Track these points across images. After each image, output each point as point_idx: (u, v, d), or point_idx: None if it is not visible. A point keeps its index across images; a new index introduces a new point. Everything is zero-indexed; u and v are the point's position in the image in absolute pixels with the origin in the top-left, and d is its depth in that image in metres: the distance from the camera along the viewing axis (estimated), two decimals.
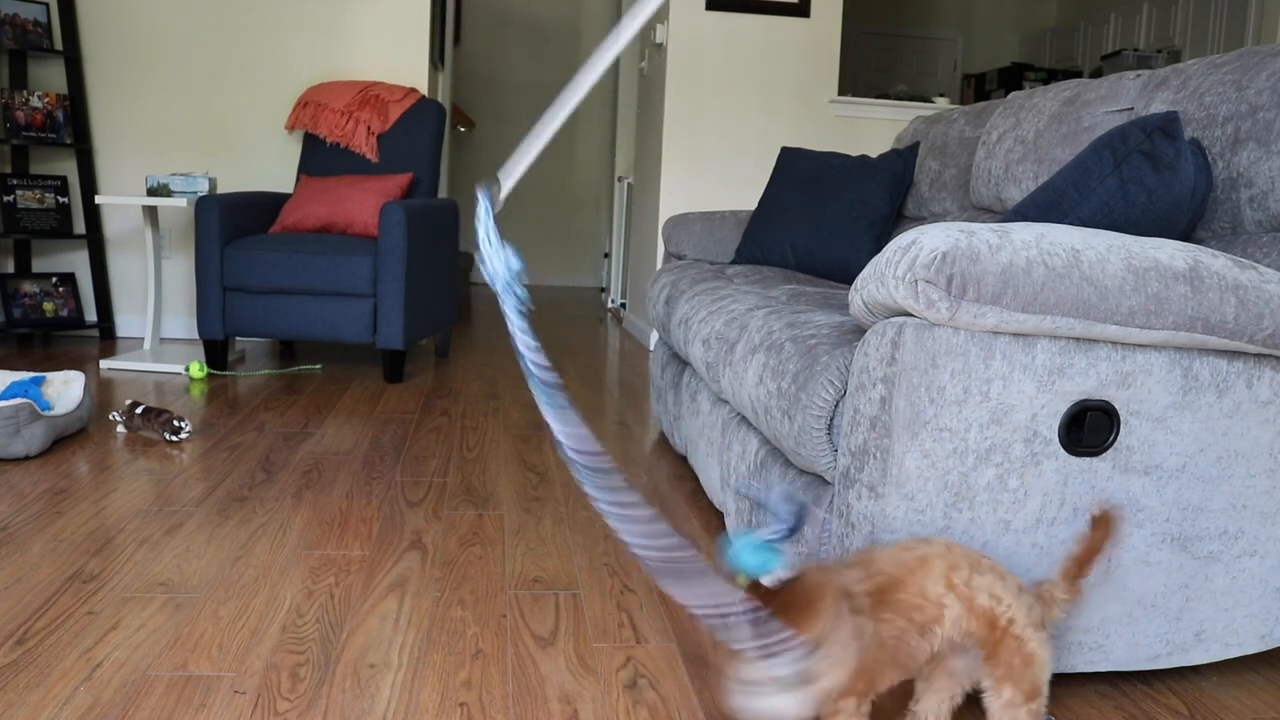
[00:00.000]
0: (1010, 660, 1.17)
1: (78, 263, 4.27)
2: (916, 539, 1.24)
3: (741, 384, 1.78)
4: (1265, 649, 1.52)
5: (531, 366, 0.99)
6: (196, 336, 4.34)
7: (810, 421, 1.47)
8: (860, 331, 1.57)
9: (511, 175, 1.06)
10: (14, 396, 2.51)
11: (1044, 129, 2.17)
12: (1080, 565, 1.24)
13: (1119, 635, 1.44)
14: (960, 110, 2.74)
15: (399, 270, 3.43)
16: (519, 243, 7.82)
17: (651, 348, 4.15)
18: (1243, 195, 1.62)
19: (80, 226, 4.24)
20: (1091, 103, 2.06)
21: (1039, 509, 1.35)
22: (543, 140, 1.05)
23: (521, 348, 1.00)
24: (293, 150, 4.32)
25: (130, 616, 1.58)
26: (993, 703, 1.19)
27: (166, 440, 2.64)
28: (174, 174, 3.85)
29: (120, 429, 2.71)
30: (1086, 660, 1.44)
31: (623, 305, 5.96)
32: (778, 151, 4.60)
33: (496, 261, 1.00)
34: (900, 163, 2.81)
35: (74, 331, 4.31)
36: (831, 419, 1.46)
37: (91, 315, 4.30)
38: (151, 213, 3.73)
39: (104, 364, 3.57)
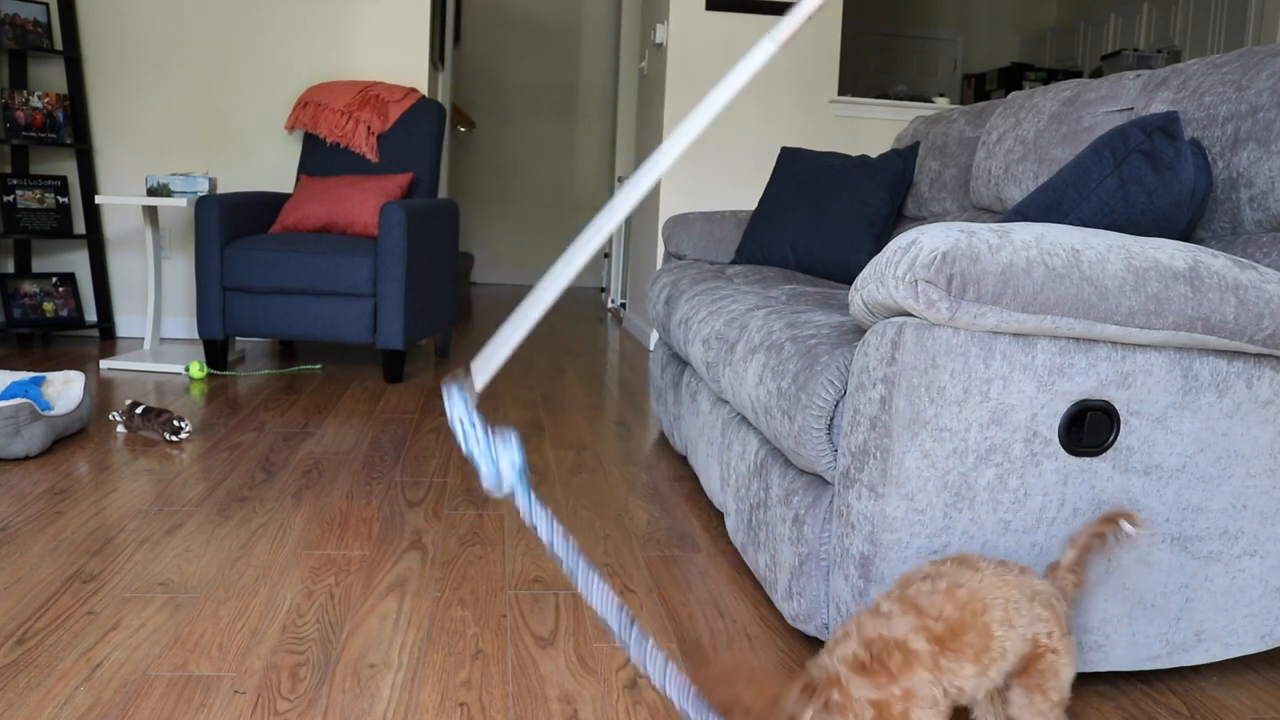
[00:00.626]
0: (1045, 671, 1.17)
1: (78, 263, 4.27)
2: (955, 564, 1.18)
3: (741, 384, 1.78)
4: (1265, 649, 1.52)
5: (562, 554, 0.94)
6: (196, 336, 4.34)
7: (810, 421, 1.47)
8: (860, 331, 1.57)
9: (487, 368, 0.97)
10: (14, 396, 2.51)
11: (1044, 129, 2.17)
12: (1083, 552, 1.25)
13: (1119, 635, 1.44)
14: (960, 110, 2.74)
15: (399, 270, 3.43)
16: (519, 242, 7.82)
17: (651, 348, 4.15)
18: (1243, 195, 1.62)
19: (80, 226, 4.24)
20: (1091, 103, 2.06)
21: (1039, 509, 1.35)
22: (522, 330, 0.96)
23: (550, 541, 0.92)
24: (293, 150, 4.32)
25: (130, 616, 1.58)
26: (1021, 708, 1.18)
27: (166, 440, 2.64)
28: (174, 174, 3.85)
29: (120, 429, 2.71)
30: (1086, 660, 1.44)
31: (623, 305, 5.96)
32: (778, 151, 4.60)
33: (502, 462, 0.89)
34: (900, 163, 2.81)
35: (74, 331, 4.31)
36: (831, 419, 1.46)
37: (91, 315, 4.30)
38: (151, 213, 3.73)
39: (104, 364, 3.57)
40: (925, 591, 1.14)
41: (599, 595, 0.95)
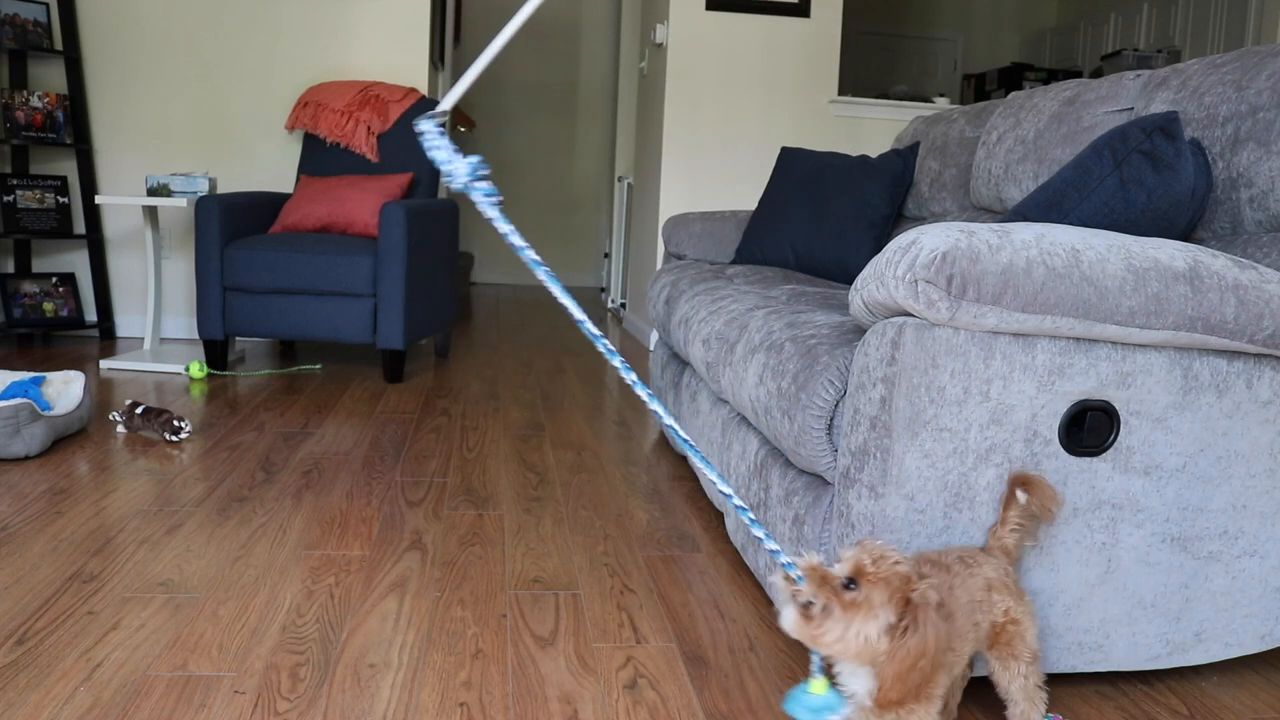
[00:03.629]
0: (1011, 641, 1.26)
1: (78, 263, 4.27)
2: (932, 565, 1.23)
3: (741, 384, 1.78)
4: (1265, 649, 1.52)
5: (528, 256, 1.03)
6: (196, 336, 4.34)
7: (810, 421, 1.47)
8: (860, 331, 1.57)
9: (455, 93, 1.06)
10: (14, 396, 2.51)
11: (1044, 129, 2.17)
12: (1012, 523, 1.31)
13: (1119, 635, 1.44)
14: (960, 110, 2.74)
15: (399, 270, 3.43)
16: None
17: (651, 348, 4.15)
18: (1243, 195, 1.62)
19: (80, 226, 4.24)
20: (1091, 103, 2.06)
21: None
22: (482, 63, 1.04)
23: (513, 241, 1.02)
24: (293, 150, 4.32)
25: (130, 616, 1.58)
26: (1005, 678, 1.28)
27: (166, 440, 2.64)
28: (174, 174, 3.85)
29: (120, 429, 2.71)
30: (1086, 660, 1.44)
31: (623, 305, 5.96)
32: (778, 151, 4.60)
33: (458, 164, 1.00)
34: (900, 163, 2.81)
35: (74, 331, 4.31)
36: (831, 419, 1.46)
37: (91, 315, 4.30)
38: (151, 213, 3.73)
39: (104, 364, 3.57)
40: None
41: (559, 290, 1.04)
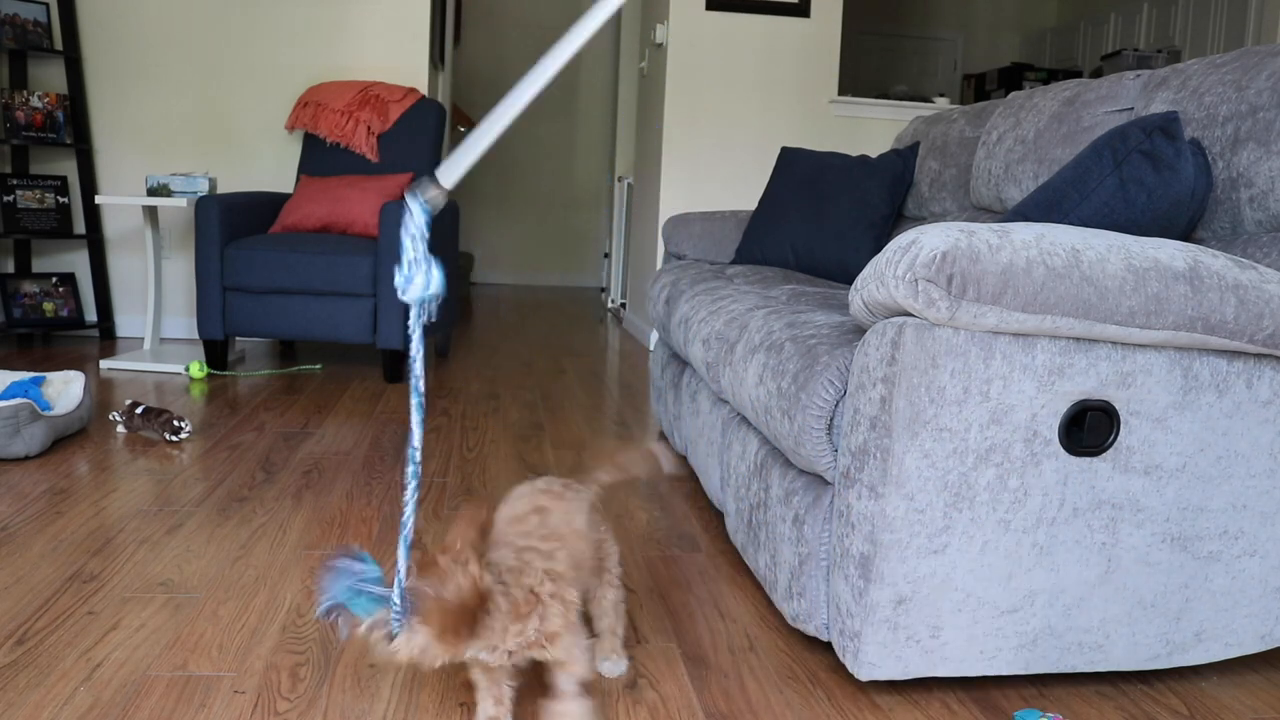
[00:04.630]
0: (606, 558, 1.47)
1: (78, 263, 4.27)
2: (559, 485, 1.40)
3: (741, 384, 1.78)
4: (1265, 649, 1.52)
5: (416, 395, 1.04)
6: (196, 336, 4.34)
7: (810, 421, 1.47)
8: (860, 331, 1.57)
9: (455, 171, 1.01)
10: (14, 396, 2.51)
11: (1044, 129, 2.17)
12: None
13: (1119, 635, 1.44)
14: (960, 110, 2.74)
15: None
16: (519, 242, 7.82)
17: (651, 348, 4.15)
18: (1243, 195, 1.62)
19: (80, 226, 4.24)
20: (1091, 103, 2.06)
21: (1039, 509, 1.35)
22: (492, 134, 1.00)
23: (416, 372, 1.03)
24: (293, 150, 4.32)
25: (130, 616, 1.58)
26: (601, 592, 1.47)
27: (166, 440, 2.64)
28: (174, 174, 3.85)
29: (120, 429, 2.71)
30: (1086, 660, 1.44)
31: (623, 305, 5.96)
32: (778, 151, 4.60)
33: (419, 277, 0.97)
34: (900, 163, 2.81)
35: (74, 331, 4.31)
36: (831, 419, 1.46)
37: (91, 315, 4.30)
38: (151, 213, 3.73)
39: (104, 364, 3.57)
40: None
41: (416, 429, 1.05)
